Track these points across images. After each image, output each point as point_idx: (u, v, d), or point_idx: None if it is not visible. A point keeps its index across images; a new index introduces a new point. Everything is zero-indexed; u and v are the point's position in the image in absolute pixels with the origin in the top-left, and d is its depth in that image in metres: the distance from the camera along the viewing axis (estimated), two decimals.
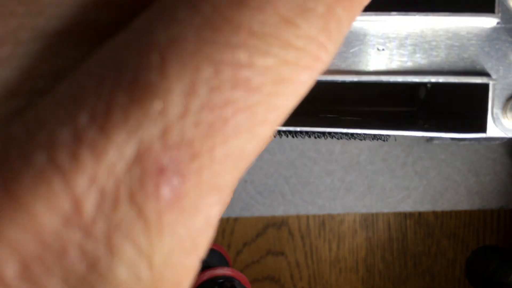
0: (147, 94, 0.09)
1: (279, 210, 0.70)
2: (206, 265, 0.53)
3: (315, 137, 0.28)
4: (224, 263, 0.55)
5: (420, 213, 0.71)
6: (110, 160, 0.09)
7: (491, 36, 0.24)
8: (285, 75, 0.10)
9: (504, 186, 0.71)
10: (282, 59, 0.10)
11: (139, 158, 0.09)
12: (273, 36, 0.10)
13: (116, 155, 0.09)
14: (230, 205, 0.69)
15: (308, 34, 0.10)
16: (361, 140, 0.27)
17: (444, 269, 0.72)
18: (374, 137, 0.27)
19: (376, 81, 0.24)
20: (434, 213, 0.71)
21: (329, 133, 0.27)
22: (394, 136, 0.26)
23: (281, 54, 0.10)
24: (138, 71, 0.09)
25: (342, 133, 0.26)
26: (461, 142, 0.59)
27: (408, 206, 0.71)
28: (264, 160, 0.68)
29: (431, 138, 0.62)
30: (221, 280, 0.50)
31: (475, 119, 0.25)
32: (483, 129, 0.24)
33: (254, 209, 0.69)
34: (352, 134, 0.26)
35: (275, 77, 0.10)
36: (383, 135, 0.26)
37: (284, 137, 0.69)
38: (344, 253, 0.71)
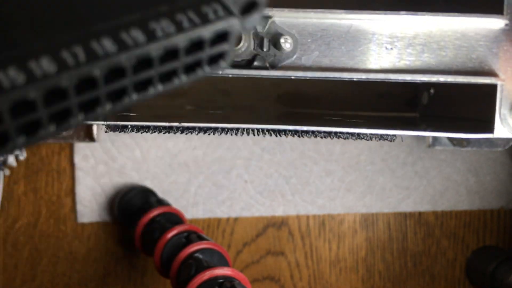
0: None
1: (279, 210, 0.69)
2: (206, 265, 0.53)
3: (321, 137, 0.28)
4: (224, 263, 0.55)
5: (420, 213, 0.71)
6: None
7: (500, 37, 0.24)
8: None
9: (504, 186, 0.71)
10: None
11: None
12: None
13: None
14: (230, 205, 0.69)
15: None
16: (367, 140, 0.27)
17: (444, 269, 0.72)
18: (381, 137, 0.27)
19: (384, 79, 0.24)
20: (434, 213, 0.71)
21: (336, 133, 0.27)
22: (401, 136, 0.26)
23: None
24: None
25: (349, 133, 0.26)
26: (464, 148, 0.59)
27: (408, 206, 0.71)
28: (264, 160, 0.68)
29: (433, 144, 0.62)
30: (221, 280, 0.50)
31: (482, 120, 0.25)
32: (490, 129, 0.24)
33: (254, 209, 0.69)
34: (358, 135, 0.26)
35: None
36: (389, 135, 0.26)
37: (284, 137, 0.69)
38: (344, 253, 0.71)
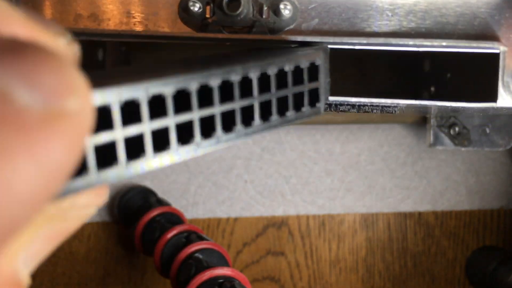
0: None
1: (279, 210, 0.69)
2: (206, 265, 0.53)
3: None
4: (224, 263, 0.55)
5: (420, 213, 0.71)
6: None
7: (501, 4, 0.23)
8: None
9: (504, 186, 0.71)
10: None
11: None
12: None
13: None
14: (230, 205, 0.69)
15: None
16: (368, 112, 0.27)
17: (444, 269, 0.72)
18: (382, 109, 0.27)
19: (385, 44, 0.24)
20: (434, 213, 0.71)
21: (336, 104, 0.27)
22: (402, 108, 0.26)
23: None
24: None
25: (350, 105, 0.26)
26: (464, 148, 0.59)
27: (408, 206, 0.71)
28: (264, 160, 0.68)
29: (434, 143, 0.61)
30: (221, 280, 0.50)
31: (485, 88, 0.24)
32: (493, 98, 0.24)
33: (254, 209, 0.69)
34: (359, 107, 0.26)
35: None
36: (390, 106, 0.26)
37: (284, 137, 0.69)
38: (344, 253, 0.71)
